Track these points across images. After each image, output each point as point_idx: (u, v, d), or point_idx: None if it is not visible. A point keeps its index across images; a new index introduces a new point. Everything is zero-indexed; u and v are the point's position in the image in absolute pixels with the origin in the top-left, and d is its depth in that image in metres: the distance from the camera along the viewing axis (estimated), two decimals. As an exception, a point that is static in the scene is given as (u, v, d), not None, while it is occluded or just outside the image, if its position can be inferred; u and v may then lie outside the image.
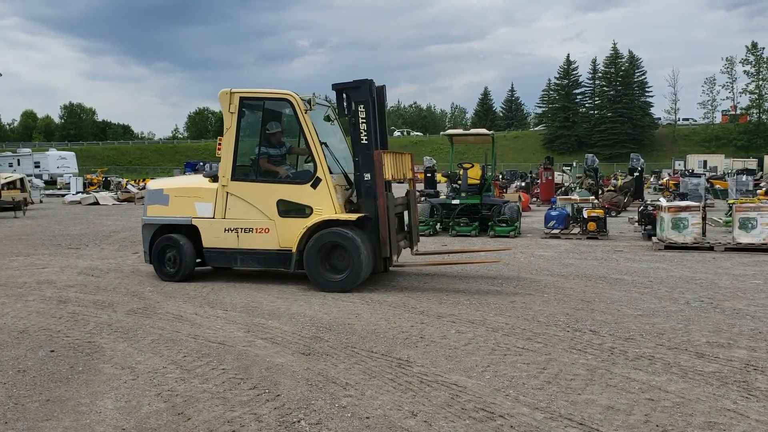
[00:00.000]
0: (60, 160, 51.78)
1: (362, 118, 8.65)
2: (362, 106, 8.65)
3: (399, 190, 9.59)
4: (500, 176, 33.81)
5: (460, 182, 15.46)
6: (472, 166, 15.73)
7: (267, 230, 8.84)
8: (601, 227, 14.02)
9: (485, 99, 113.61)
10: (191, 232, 9.29)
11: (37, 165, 49.68)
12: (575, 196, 17.66)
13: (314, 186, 8.63)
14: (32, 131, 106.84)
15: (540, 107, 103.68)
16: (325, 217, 8.54)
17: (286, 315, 7.03)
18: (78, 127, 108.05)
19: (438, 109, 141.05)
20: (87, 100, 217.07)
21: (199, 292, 8.37)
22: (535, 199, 25.66)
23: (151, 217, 9.59)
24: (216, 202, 9.09)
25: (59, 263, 11.05)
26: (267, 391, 4.68)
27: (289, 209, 8.77)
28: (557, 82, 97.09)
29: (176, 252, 9.25)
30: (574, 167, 38.65)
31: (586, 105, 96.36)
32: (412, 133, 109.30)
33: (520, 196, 20.92)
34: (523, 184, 30.14)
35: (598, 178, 26.54)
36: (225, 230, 9.03)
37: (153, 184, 10.13)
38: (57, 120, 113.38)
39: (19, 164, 47.13)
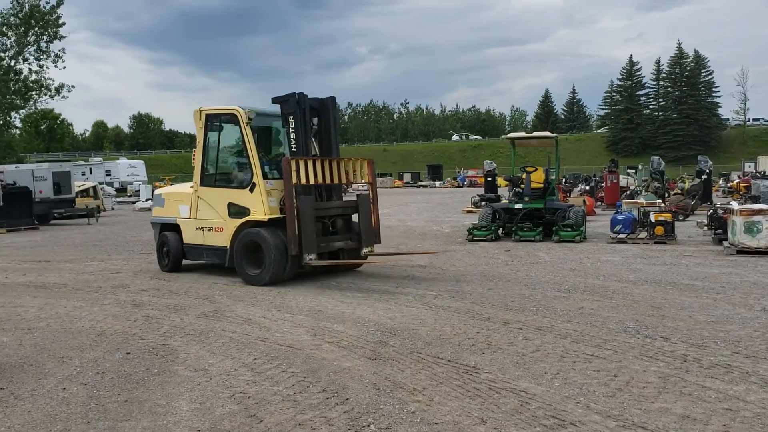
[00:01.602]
0: (130, 169, 53.56)
1: (291, 128, 9.59)
2: (291, 117, 9.59)
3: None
4: (563, 180, 33.28)
5: (522, 186, 15.30)
6: (536, 169, 15.55)
7: (221, 229, 10.12)
8: (669, 231, 13.66)
9: (546, 101, 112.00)
10: (178, 229, 10.81)
11: (108, 173, 51.49)
12: (641, 200, 17.24)
13: (251, 190, 9.72)
14: (103, 141, 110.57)
15: (602, 109, 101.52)
16: (246, 218, 9.70)
17: (351, 319, 7.10)
18: (146, 137, 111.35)
19: (497, 113, 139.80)
20: (154, 110, 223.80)
21: (266, 296, 8.54)
22: (599, 203, 25.14)
23: (154, 217, 11.51)
24: (191, 205, 10.62)
25: (132, 268, 11.43)
26: (336, 394, 4.74)
27: (235, 211, 9.93)
28: (620, 83, 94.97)
29: (168, 246, 10.84)
30: (639, 170, 37.67)
31: (650, 106, 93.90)
32: (470, 137, 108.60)
33: (584, 200, 20.56)
34: (587, 187, 29.58)
35: (665, 181, 25.84)
36: (196, 228, 10.53)
37: (158, 190, 12.17)
38: (126, 130, 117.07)
39: (91, 173, 48.91)
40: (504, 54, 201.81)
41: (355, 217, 10.37)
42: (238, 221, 9.79)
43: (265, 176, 9.77)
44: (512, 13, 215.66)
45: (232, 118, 10.00)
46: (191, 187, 10.72)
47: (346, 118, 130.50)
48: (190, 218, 10.63)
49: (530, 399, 4.55)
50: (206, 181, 10.46)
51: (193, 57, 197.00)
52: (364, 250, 10.04)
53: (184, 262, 11.05)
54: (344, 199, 10.70)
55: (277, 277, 9.37)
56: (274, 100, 9.86)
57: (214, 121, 10.40)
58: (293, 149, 9.55)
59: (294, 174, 9.16)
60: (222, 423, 4.27)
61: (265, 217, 9.50)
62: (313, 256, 9.27)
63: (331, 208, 9.96)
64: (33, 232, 20.34)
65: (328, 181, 9.75)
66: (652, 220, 13.87)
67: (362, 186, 10.66)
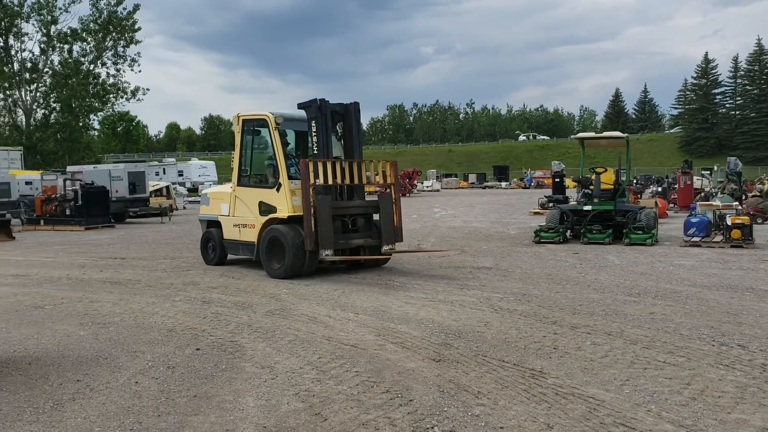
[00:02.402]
0: (201, 169, 54.93)
1: (314, 132, 10.20)
2: (313, 121, 10.21)
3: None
4: (634, 181, 32.41)
5: (591, 187, 14.96)
6: (605, 170, 15.17)
7: (253, 226, 10.77)
8: (747, 235, 13.10)
9: (616, 101, 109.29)
10: (221, 226, 11.58)
11: (180, 173, 52.94)
12: (717, 202, 16.62)
13: (278, 190, 10.37)
14: (176, 142, 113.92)
15: (676, 108, 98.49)
16: (271, 215, 10.39)
17: (415, 320, 7.08)
18: (217, 138, 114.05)
19: (565, 112, 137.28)
20: (225, 112, 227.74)
21: (331, 295, 8.61)
22: (672, 205, 24.37)
23: (201, 214, 12.37)
24: (230, 203, 11.34)
25: (202, 266, 11.73)
26: (399, 395, 4.73)
27: (264, 209, 10.60)
28: (694, 81, 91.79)
29: (213, 241, 11.70)
30: (714, 171, 36.30)
31: (727, 105, 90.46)
32: (538, 137, 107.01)
33: (656, 202, 19.97)
34: (659, 189, 28.72)
35: (742, 183, 24.80)
36: (233, 225, 11.25)
37: (204, 190, 13.28)
38: (198, 131, 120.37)
39: (164, 173, 50.34)
40: (572, 53, 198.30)
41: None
42: (264, 218, 10.51)
43: (291, 177, 10.33)
44: (580, 11, 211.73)
45: (264, 123, 10.68)
46: (231, 187, 11.49)
47: (411, 119, 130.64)
48: (229, 215, 11.39)
49: (598, 405, 4.43)
50: (242, 181, 11.21)
51: (262, 60, 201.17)
52: (385, 248, 10.47)
53: (229, 257, 11.79)
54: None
55: (295, 271, 9.97)
56: (299, 106, 10.47)
57: (249, 125, 11.10)
58: (315, 152, 10.22)
59: (312, 175, 9.71)
60: (287, 420, 4.32)
61: (285, 215, 10.17)
62: (330, 252, 9.79)
63: (351, 207, 10.47)
64: (109, 229, 21.12)
65: (347, 182, 10.26)
66: (729, 223, 13.34)
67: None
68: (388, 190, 10.96)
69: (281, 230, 10.06)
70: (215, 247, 11.71)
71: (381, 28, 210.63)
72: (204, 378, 5.26)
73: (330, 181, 9.95)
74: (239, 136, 11.16)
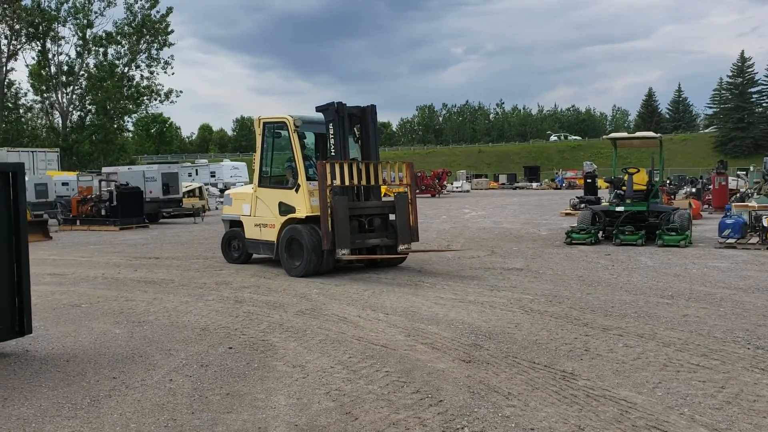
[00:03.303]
0: (233, 170, 55.40)
1: (331, 134, 10.48)
2: (331, 124, 10.49)
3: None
4: (667, 182, 31.94)
5: (624, 188, 14.79)
6: (638, 170, 14.99)
7: (273, 226, 11.06)
8: (785, 237, 12.84)
9: (649, 100, 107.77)
10: (243, 226, 11.87)
11: (212, 174, 53.46)
12: (753, 203, 16.30)
13: (296, 191, 10.68)
14: (208, 143, 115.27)
15: (710, 108, 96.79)
16: (290, 215, 10.68)
17: (445, 321, 7.09)
18: (248, 139, 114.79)
19: (597, 112, 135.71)
20: (255, 113, 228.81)
21: (361, 296, 8.65)
22: (706, 206, 23.98)
23: (224, 214, 12.73)
24: (251, 204, 11.61)
25: (234, 265, 11.86)
26: (429, 396, 4.75)
27: (284, 209, 10.88)
28: (730, 80, 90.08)
29: (238, 240, 12.07)
30: (751, 172, 35.64)
31: (764, 104, 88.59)
32: (569, 137, 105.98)
33: (690, 203, 19.67)
34: (693, 190, 28.28)
35: (780, 184, 24.28)
36: (254, 225, 11.53)
37: (227, 191, 13.56)
38: (230, 132, 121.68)
39: (197, 174, 50.91)
40: (605, 52, 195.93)
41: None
42: (284, 218, 10.81)
43: (309, 178, 10.62)
44: (613, 10, 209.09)
45: (284, 126, 10.95)
46: (252, 187, 11.84)
47: (440, 119, 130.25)
48: (250, 215, 11.68)
49: (630, 408, 4.40)
50: (263, 182, 11.50)
51: (291, 61, 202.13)
52: (400, 247, 10.63)
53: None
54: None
55: (313, 269, 10.24)
56: (317, 109, 10.72)
57: (269, 128, 11.36)
58: (332, 153, 10.46)
59: (329, 176, 10.02)
60: (318, 419, 4.37)
61: (303, 215, 10.48)
62: (346, 251, 9.99)
63: (368, 207, 10.71)
64: (143, 230, 21.45)
65: (363, 182, 10.58)
66: (765, 224, 13.09)
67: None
68: (404, 191, 11.02)
69: (299, 230, 10.36)
70: (239, 246, 12.07)
71: (411, 28, 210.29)
72: (236, 376, 5.34)
73: (347, 182, 10.24)
74: (260, 138, 11.44)
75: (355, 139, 11.16)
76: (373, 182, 10.72)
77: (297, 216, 10.61)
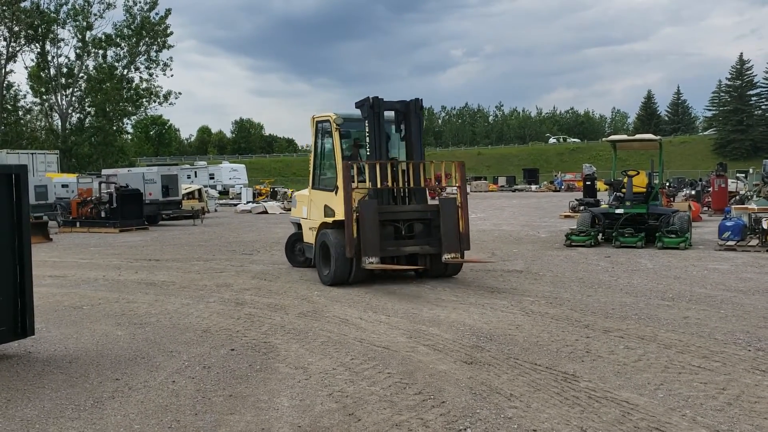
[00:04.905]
0: (232, 172, 55.53)
1: (367, 132, 9.75)
2: (366, 121, 9.74)
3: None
4: (667, 184, 31.99)
5: (624, 190, 14.82)
6: (638, 173, 15.03)
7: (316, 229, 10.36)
8: (785, 239, 12.86)
9: (648, 102, 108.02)
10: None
11: (211, 176, 53.59)
12: (752, 206, 16.33)
13: (336, 193, 9.97)
14: (207, 145, 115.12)
15: (710, 110, 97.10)
16: (324, 219, 10.14)
17: (446, 323, 7.11)
18: (247, 141, 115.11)
19: (597, 115, 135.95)
20: (255, 115, 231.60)
21: (362, 298, 8.66)
22: (706, 208, 24.01)
23: (291, 217, 12.51)
24: (308, 206, 11.16)
25: (235, 268, 11.87)
26: (432, 397, 4.76)
27: (329, 213, 10.24)
28: (729, 83, 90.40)
29: (300, 244, 11.52)
30: (750, 174, 35.73)
31: (763, 107, 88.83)
32: (568, 140, 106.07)
33: (690, 205, 19.70)
34: (692, 192, 28.31)
35: (779, 186, 24.33)
36: (309, 228, 10.89)
37: (296, 192, 13.24)
38: (229, 135, 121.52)
39: (196, 176, 51.00)
40: (604, 54, 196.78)
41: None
42: (320, 222, 10.22)
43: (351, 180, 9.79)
44: (612, 12, 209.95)
45: (329, 124, 10.31)
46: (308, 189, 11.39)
47: (440, 121, 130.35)
48: (306, 218, 11.18)
49: (632, 409, 4.42)
50: (315, 184, 11.00)
51: (291, 64, 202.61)
52: (445, 256, 9.55)
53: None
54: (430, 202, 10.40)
55: (341, 278, 9.49)
56: (356, 105, 10.01)
57: (319, 127, 10.81)
58: (368, 153, 9.77)
59: (356, 177, 9.55)
60: (321, 420, 4.38)
61: (330, 220, 9.90)
62: (375, 259, 9.15)
63: (405, 211, 9.81)
64: (143, 232, 21.45)
65: (400, 185, 9.93)
66: (765, 226, 13.12)
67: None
68: (439, 192, 10.40)
69: (329, 235, 9.69)
70: (303, 249, 11.44)
71: (410, 30, 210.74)
72: (239, 378, 5.35)
73: (379, 184, 9.51)
74: (313, 138, 10.95)
75: (402, 137, 10.30)
76: (414, 184, 9.96)
77: (326, 220, 10.03)
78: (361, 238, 9.14)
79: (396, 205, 9.85)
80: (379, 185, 9.51)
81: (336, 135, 10.08)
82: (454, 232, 9.59)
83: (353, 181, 9.44)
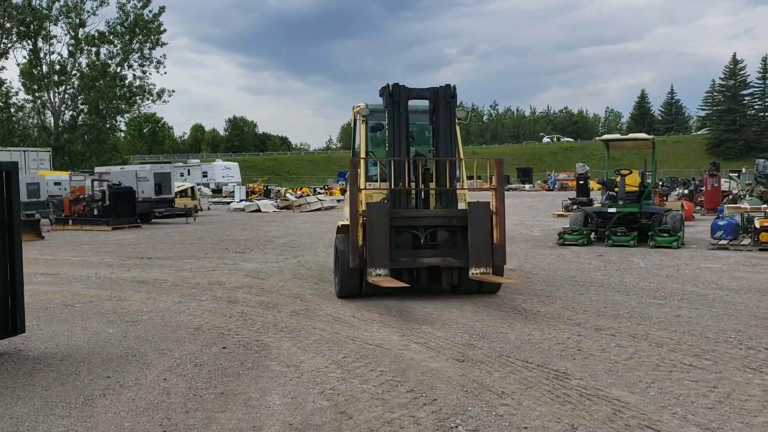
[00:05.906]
0: (225, 170, 55.40)
1: (386, 125, 8.48)
2: (387, 113, 8.47)
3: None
4: (660, 183, 32.09)
5: (617, 190, 14.86)
6: (630, 172, 15.07)
7: None
8: (776, 238, 12.92)
9: (642, 102, 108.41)
10: None
11: (204, 174, 53.42)
12: (745, 205, 16.40)
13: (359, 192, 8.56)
14: (200, 143, 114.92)
15: (703, 110, 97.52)
16: (340, 223, 9.12)
17: (439, 321, 7.11)
18: (241, 139, 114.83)
19: (590, 114, 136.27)
20: (248, 113, 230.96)
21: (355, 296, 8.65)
22: (698, 207, 24.10)
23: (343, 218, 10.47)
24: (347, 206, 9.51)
25: (227, 266, 11.85)
26: (424, 394, 4.76)
27: (345, 214, 9.28)
28: (722, 82, 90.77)
29: None
30: (743, 173, 35.84)
31: (756, 107, 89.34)
32: (562, 139, 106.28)
33: (682, 205, 19.77)
34: (685, 191, 28.42)
35: (771, 185, 24.42)
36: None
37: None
38: (222, 132, 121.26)
39: (189, 174, 50.83)
40: (598, 53, 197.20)
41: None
42: (340, 225, 9.21)
43: (369, 178, 9.04)
44: (607, 11, 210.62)
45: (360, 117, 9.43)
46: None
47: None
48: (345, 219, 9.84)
49: (623, 407, 4.43)
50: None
51: (284, 61, 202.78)
52: (473, 271, 7.96)
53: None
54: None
55: (350, 291, 8.40)
56: (380, 93, 8.66)
57: (355, 119, 9.79)
58: (386, 149, 8.58)
59: (362, 177, 8.42)
60: (313, 418, 4.37)
61: (340, 224, 9.01)
62: (384, 271, 7.82)
63: (427, 217, 8.35)
64: (136, 230, 21.37)
65: (422, 185, 8.65)
66: (757, 225, 13.18)
67: None
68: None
69: (339, 241, 8.69)
70: None
71: (404, 29, 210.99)
72: (231, 376, 5.34)
73: (393, 185, 8.39)
74: (353, 131, 9.92)
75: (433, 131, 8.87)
76: (434, 184, 8.58)
77: (341, 223, 9.04)
78: (367, 246, 7.92)
79: (414, 209, 8.51)
80: (393, 186, 8.41)
81: (362, 127, 9.15)
82: (484, 242, 8.04)
83: (360, 180, 8.37)
